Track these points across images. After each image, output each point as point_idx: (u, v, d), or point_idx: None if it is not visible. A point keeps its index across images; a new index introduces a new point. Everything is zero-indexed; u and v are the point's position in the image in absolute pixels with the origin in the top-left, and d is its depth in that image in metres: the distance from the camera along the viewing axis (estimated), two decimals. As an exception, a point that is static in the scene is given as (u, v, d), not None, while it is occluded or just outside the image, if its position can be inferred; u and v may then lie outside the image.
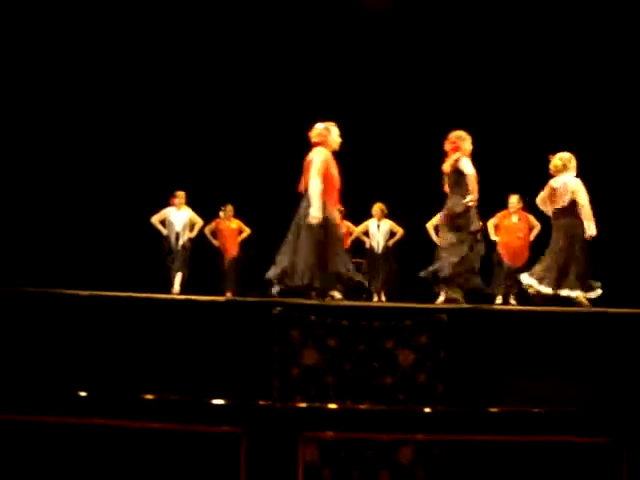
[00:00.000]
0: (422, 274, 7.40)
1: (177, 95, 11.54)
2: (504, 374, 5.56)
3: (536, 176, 7.90)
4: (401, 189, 11.56)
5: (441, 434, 2.98)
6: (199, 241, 10.94)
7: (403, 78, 11.62)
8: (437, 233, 8.56)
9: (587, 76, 10.96)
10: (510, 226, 10.06)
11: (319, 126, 7.05)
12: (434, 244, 8.55)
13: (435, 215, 8.76)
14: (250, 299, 6.36)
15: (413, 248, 10.43)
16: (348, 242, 10.31)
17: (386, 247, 11.10)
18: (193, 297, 6.39)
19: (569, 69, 11.06)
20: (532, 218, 9.77)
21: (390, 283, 11.02)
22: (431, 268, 7.29)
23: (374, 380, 5.71)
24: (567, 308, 6.80)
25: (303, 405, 3.08)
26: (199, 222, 10.90)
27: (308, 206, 6.72)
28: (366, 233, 11.33)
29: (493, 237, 9.98)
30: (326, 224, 6.76)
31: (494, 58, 11.22)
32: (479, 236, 7.31)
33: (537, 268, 7.30)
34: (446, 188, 7.46)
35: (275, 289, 6.83)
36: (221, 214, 11.28)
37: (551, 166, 7.52)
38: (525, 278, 7.24)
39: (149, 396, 3.05)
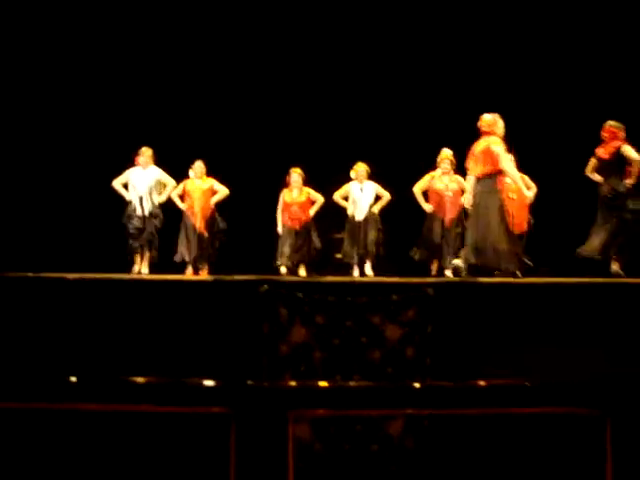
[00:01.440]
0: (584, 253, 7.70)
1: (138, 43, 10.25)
2: (491, 347, 5.60)
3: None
4: (383, 150, 10.32)
5: (430, 408, 3.00)
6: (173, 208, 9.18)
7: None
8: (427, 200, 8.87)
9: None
10: None
11: (487, 116, 7.64)
12: (422, 212, 8.76)
13: (421, 178, 8.88)
14: (237, 278, 6.34)
15: (398, 216, 9.44)
16: (311, 212, 9.28)
17: (371, 213, 9.45)
18: (179, 277, 6.36)
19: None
20: None
21: (375, 255, 9.35)
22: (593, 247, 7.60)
23: (362, 355, 5.74)
24: (552, 280, 6.84)
25: (291, 384, 3.08)
26: (170, 183, 9.18)
27: (486, 190, 7.44)
28: (346, 199, 9.57)
29: None
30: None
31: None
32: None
33: None
34: (590, 171, 7.97)
35: (461, 265, 7.29)
36: (190, 172, 9.43)
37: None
38: None
39: (137, 379, 3.04)
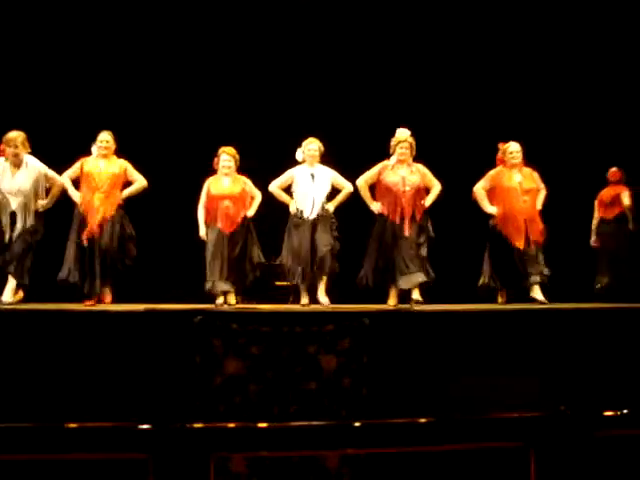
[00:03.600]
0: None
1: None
2: (427, 375, 5.57)
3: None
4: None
5: (351, 448, 2.94)
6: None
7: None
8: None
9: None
10: None
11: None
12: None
13: (371, 169, 7.07)
14: (169, 308, 6.21)
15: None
16: (250, 212, 6.99)
17: (325, 211, 6.98)
18: (107, 308, 6.04)
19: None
20: None
21: (329, 272, 6.96)
22: None
23: (298, 386, 5.65)
24: (488, 307, 6.87)
25: (212, 425, 2.99)
26: (57, 181, 6.65)
27: None
28: (287, 189, 7.10)
29: None
30: None
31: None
32: None
33: None
34: None
35: None
36: (92, 148, 6.83)
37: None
38: None
39: (52, 424, 2.92)
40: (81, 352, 5.27)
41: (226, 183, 6.96)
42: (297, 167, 7.09)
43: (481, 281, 7.43)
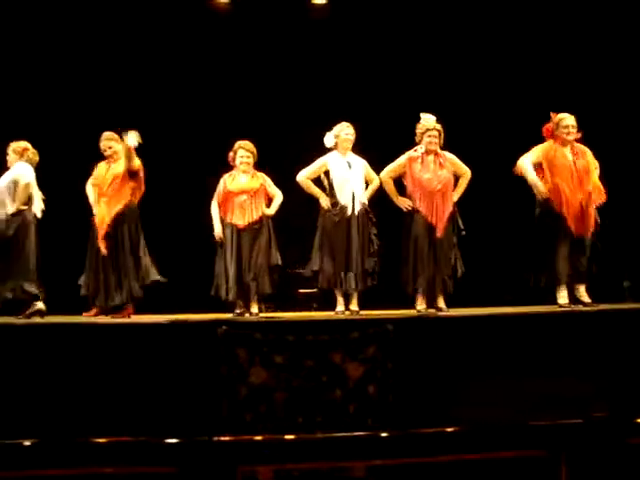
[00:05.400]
0: None
1: None
2: (454, 381, 5.52)
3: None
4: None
5: (380, 459, 2.91)
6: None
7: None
8: None
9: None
10: None
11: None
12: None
13: (395, 161, 6.54)
14: (194, 319, 6.21)
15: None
16: (270, 211, 6.53)
17: (364, 205, 6.40)
18: (129, 320, 6.03)
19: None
20: None
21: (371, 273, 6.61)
22: None
23: (324, 394, 5.64)
24: (511, 310, 6.78)
25: (238, 438, 2.99)
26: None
27: None
28: (317, 182, 6.45)
29: None
30: None
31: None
32: None
33: None
34: None
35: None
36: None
37: None
38: None
39: (80, 439, 2.91)
40: (106, 366, 5.28)
41: (244, 179, 6.51)
42: (329, 154, 6.35)
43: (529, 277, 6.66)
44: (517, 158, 6.71)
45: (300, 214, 7.17)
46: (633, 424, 2.46)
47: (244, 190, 6.43)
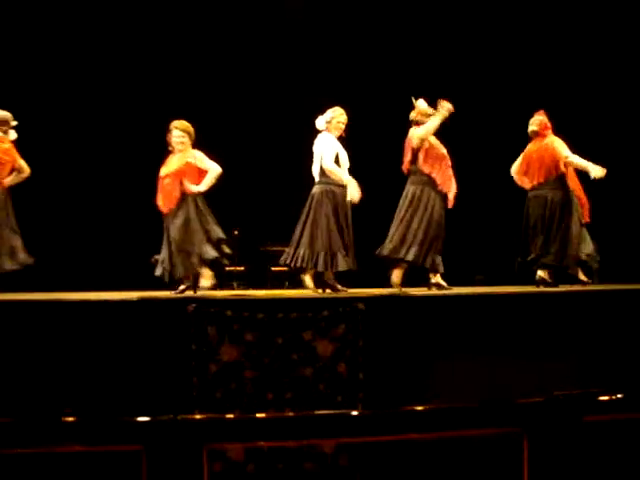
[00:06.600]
0: None
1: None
2: (424, 360, 5.56)
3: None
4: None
5: (348, 436, 2.92)
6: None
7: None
8: None
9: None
10: None
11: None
12: None
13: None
14: (163, 296, 6.18)
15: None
16: (204, 183, 6.43)
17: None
18: (99, 296, 5.97)
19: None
20: None
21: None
22: None
23: (294, 372, 5.65)
24: (482, 290, 6.84)
25: (206, 416, 2.98)
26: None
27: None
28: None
29: None
30: None
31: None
32: None
33: None
34: None
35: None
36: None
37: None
38: None
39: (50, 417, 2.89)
40: (74, 342, 5.24)
41: (173, 161, 6.34)
42: (330, 139, 6.38)
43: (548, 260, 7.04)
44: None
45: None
46: (591, 402, 2.50)
47: (167, 174, 6.31)
